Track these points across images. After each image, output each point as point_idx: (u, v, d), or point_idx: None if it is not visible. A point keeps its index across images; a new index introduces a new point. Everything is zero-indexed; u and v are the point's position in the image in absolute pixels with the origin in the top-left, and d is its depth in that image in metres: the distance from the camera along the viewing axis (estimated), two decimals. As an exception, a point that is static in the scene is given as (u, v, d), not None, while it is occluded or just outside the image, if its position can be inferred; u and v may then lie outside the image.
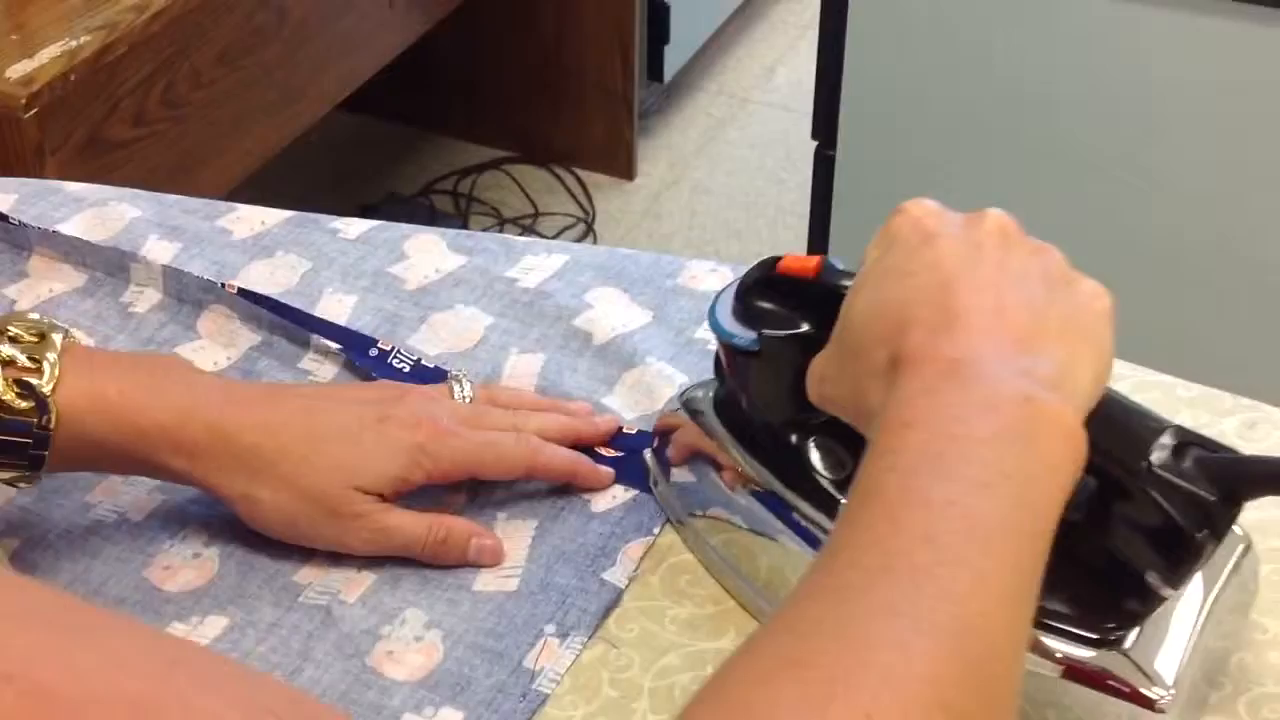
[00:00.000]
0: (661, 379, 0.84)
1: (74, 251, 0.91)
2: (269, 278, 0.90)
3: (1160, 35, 1.34)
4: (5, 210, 0.94)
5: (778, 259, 0.68)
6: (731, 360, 0.71)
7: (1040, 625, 0.61)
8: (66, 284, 0.90)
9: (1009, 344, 0.54)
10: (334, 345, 0.85)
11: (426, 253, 0.93)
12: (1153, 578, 0.60)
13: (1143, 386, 0.81)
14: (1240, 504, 0.59)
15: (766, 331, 0.67)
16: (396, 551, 0.73)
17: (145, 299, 0.89)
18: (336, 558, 0.74)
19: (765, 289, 0.68)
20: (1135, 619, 0.61)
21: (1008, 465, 0.51)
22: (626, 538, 0.76)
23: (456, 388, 0.79)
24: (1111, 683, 0.61)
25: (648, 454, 0.78)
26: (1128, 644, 0.61)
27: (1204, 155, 1.38)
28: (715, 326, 0.69)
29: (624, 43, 2.49)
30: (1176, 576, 0.60)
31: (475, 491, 0.78)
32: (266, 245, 0.92)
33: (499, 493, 0.78)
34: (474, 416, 0.76)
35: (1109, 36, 1.35)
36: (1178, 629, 0.62)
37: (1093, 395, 0.56)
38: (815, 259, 0.66)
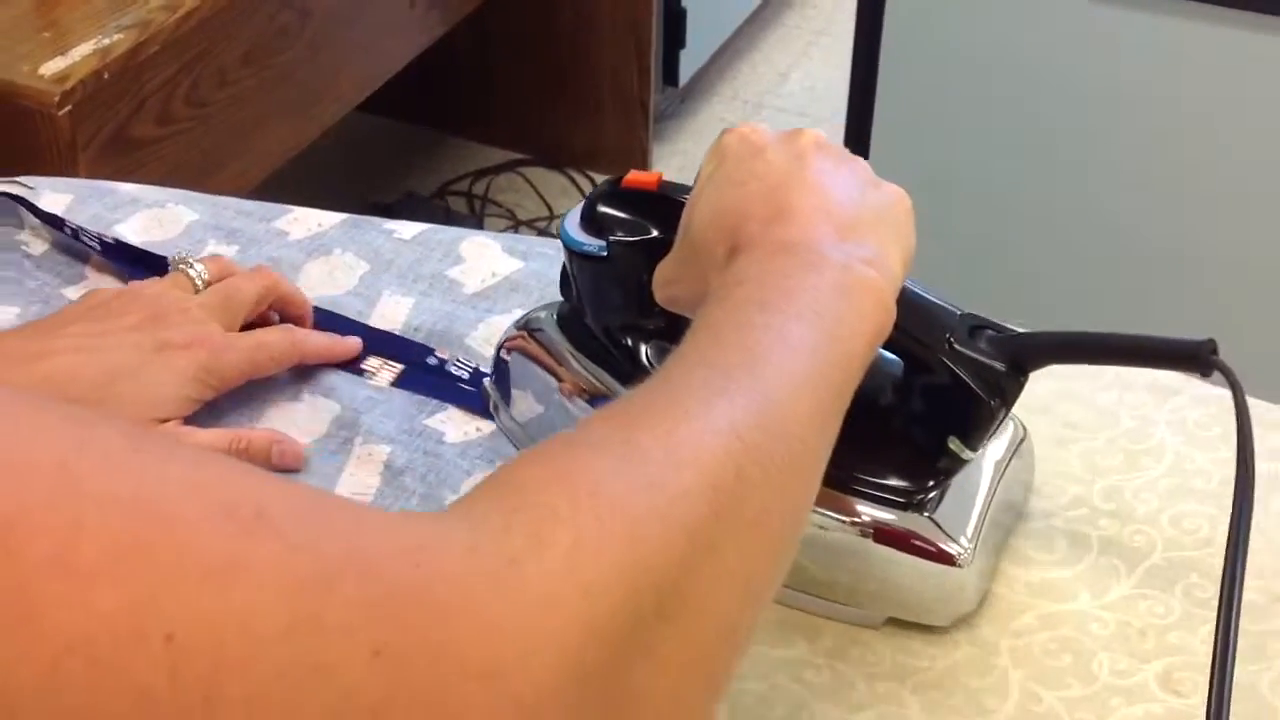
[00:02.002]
0: None
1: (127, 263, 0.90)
2: (328, 278, 0.90)
3: (1199, 51, 1.34)
4: (60, 212, 0.94)
5: (622, 177, 0.73)
6: (578, 271, 0.75)
7: (852, 491, 0.69)
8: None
9: (833, 231, 0.61)
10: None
11: (482, 256, 0.93)
12: (954, 443, 0.68)
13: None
14: (1026, 373, 0.67)
15: (614, 238, 0.72)
16: None
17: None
18: None
19: (611, 202, 0.73)
20: (938, 484, 0.69)
21: (822, 308, 0.57)
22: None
23: (191, 272, 0.82)
24: (916, 542, 0.69)
25: (487, 382, 0.81)
26: (929, 507, 0.69)
27: (1239, 168, 1.39)
28: (566, 237, 0.73)
29: (641, 47, 2.49)
30: (975, 439, 0.68)
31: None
32: (324, 245, 0.93)
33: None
34: (224, 302, 0.80)
35: (1144, 53, 1.36)
36: (972, 494, 0.70)
37: (901, 277, 0.63)
38: (656, 174, 0.72)
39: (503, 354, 0.80)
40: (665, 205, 0.69)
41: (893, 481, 0.70)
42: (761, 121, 0.67)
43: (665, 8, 2.51)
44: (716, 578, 0.47)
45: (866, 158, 1.46)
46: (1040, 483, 0.77)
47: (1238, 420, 0.63)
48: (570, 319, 0.78)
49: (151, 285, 0.81)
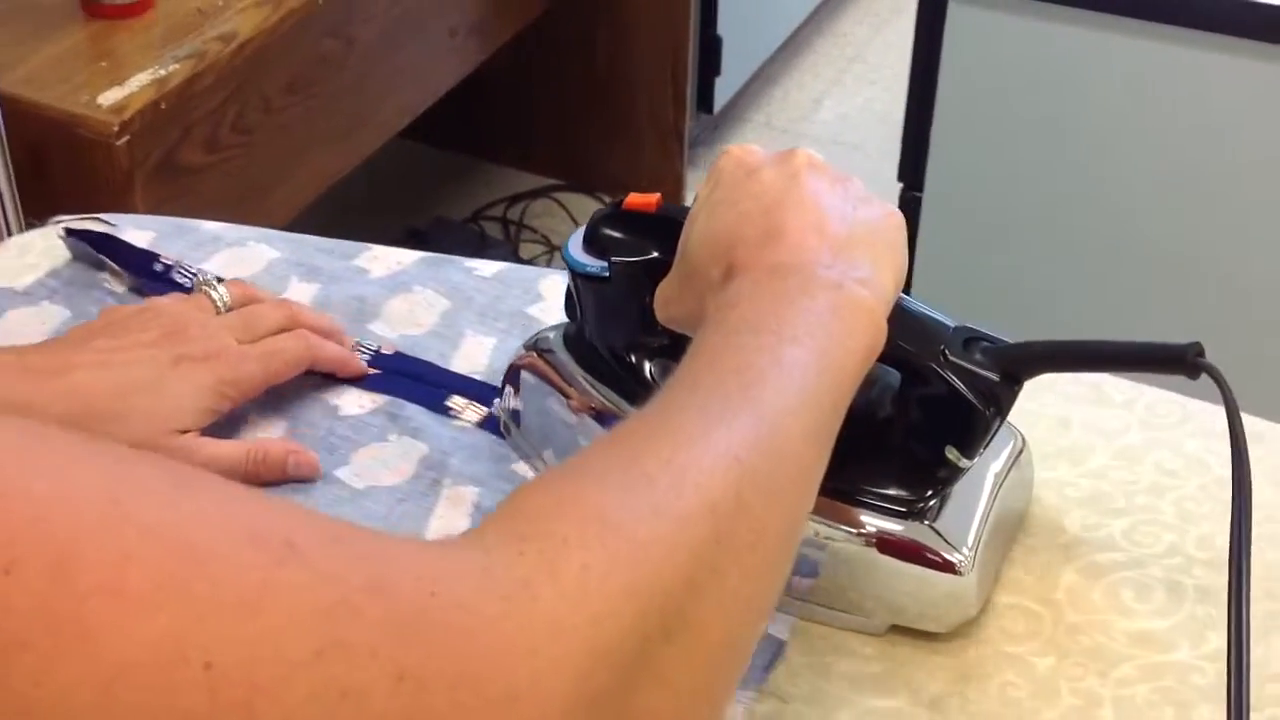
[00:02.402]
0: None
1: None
2: (409, 316, 0.91)
3: (1251, 95, 1.35)
4: (146, 245, 0.94)
5: (623, 199, 0.75)
6: (582, 291, 0.77)
7: (854, 502, 0.71)
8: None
9: (826, 251, 0.63)
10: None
11: (561, 293, 0.93)
12: (951, 452, 0.70)
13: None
14: (1020, 382, 0.69)
15: (615, 258, 0.74)
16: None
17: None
18: None
19: (612, 224, 0.75)
20: (937, 493, 0.71)
21: (815, 329, 0.59)
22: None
23: (214, 294, 0.83)
24: (917, 551, 0.70)
25: (498, 401, 0.83)
26: (929, 516, 0.71)
27: (1267, 191, 1.39)
28: (569, 259, 0.75)
29: (677, 74, 2.50)
30: (972, 448, 0.70)
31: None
32: (404, 282, 0.93)
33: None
34: (245, 324, 0.82)
35: (1199, 96, 1.36)
36: (972, 504, 0.72)
37: (893, 294, 0.64)
38: (655, 196, 0.75)
39: (510, 378, 0.82)
40: (665, 225, 0.71)
41: (893, 491, 0.72)
42: (797, 147, 0.68)
43: (701, 35, 2.51)
44: (719, 599, 0.50)
45: (920, 191, 1.46)
46: (1134, 530, 0.77)
47: (1229, 421, 0.64)
48: (577, 339, 0.80)
49: (172, 302, 0.83)
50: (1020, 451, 0.76)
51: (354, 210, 2.41)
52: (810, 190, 0.65)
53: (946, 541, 0.71)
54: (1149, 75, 1.37)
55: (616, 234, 0.75)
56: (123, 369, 0.76)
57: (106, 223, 0.96)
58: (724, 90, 2.64)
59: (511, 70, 2.54)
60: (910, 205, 1.45)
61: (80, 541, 0.38)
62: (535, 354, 0.81)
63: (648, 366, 0.77)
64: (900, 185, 1.50)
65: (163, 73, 1.51)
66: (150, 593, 0.38)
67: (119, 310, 0.82)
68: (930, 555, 0.70)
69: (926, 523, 0.71)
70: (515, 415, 0.82)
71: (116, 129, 1.44)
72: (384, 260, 0.95)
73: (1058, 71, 1.39)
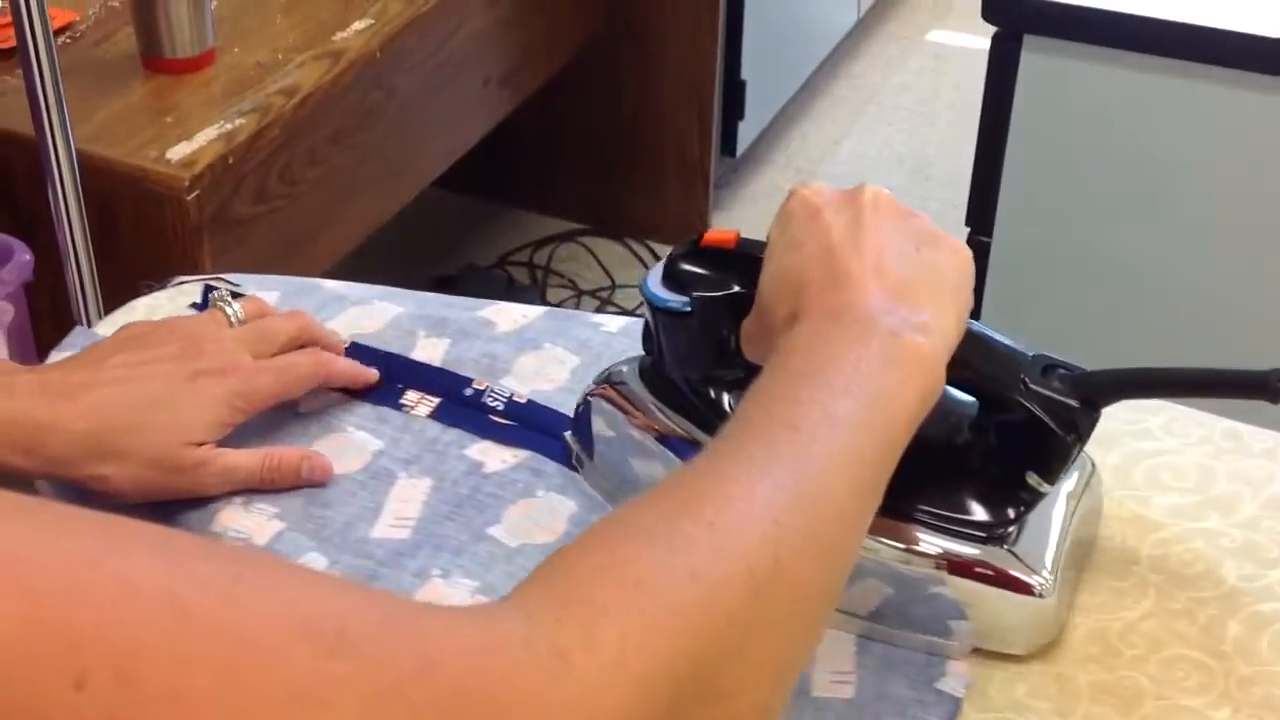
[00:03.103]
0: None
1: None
2: (539, 372, 0.91)
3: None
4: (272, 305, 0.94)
5: (701, 235, 0.77)
6: (662, 326, 0.79)
7: (936, 529, 0.72)
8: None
9: (885, 296, 0.63)
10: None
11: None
12: (1032, 478, 0.72)
13: None
14: (1099, 409, 0.71)
15: (697, 294, 0.75)
16: (239, 486, 0.80)
17: (424, 403, 0.89)
18: None
19: (692, 260, 0.77)
20: (1017, 518, 0.73)
21: (867, 380, 0.60)
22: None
23: (228, 310, 0.85)
24: (998, 575, 0.72)
25: (569, 435, 0.85)
26: (1009, 540, 0.73)
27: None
28: (649, 294, 0.77)
29: (703, 118, 2.51)
30: (1052, 473, 0.72)
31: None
32: (533, 339, 0.93)
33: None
34: (259, 337, 0.83)
35: (1270, 139, 1.38)
36: (1048, 527, 0.74)
37: (956, 335, 0.65)
38: (733, 232, 0.76)
39: (585, 406, 0.83)
40: (743, 261, 0.73)
41: (974, 516, 0.73)
42: (864, 184, 0.69)
43: (725, 79, 2.53)
44: (754, 661, 0.51)
45: (989, 236, 1.46)
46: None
47: None
48: (653, 372, 0.81)
49: (188, 319, 0.85)
50: (1091, 474, 0.78)
51: (380, 257, 2.41)
52: (872, 230, 0.66)
53: (1026, 565, 0.72)
54: (1219, 119, 1.39)
55: (696, 269, 0.76)
56: (140, 384, 0.78)
57: (231, 283, 0.96)
58: (746, 133, 2.66)
59: (536, 116, 2.55)
60: (979, 250, 1.46)
61: (144, 647, 0.39)
62: (608, 386, 0.82)
63: (726, 399, 0.79)
64: (968, 229, 1.51)
65: (229, 127, 1.51)
66: (210, 694, 0.39)
67: (137, 326, 0.84)
68: (1012, 578, 0.72)
69: (1006, 547, 0.73)
70: (589, 448, 0.83)
71: (187, 184, 1.44)
72: (509, 314, 0.95)
73: (1128, 116, 1.41)
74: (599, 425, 0.82)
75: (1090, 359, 0.72)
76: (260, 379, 0.81)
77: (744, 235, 0.76)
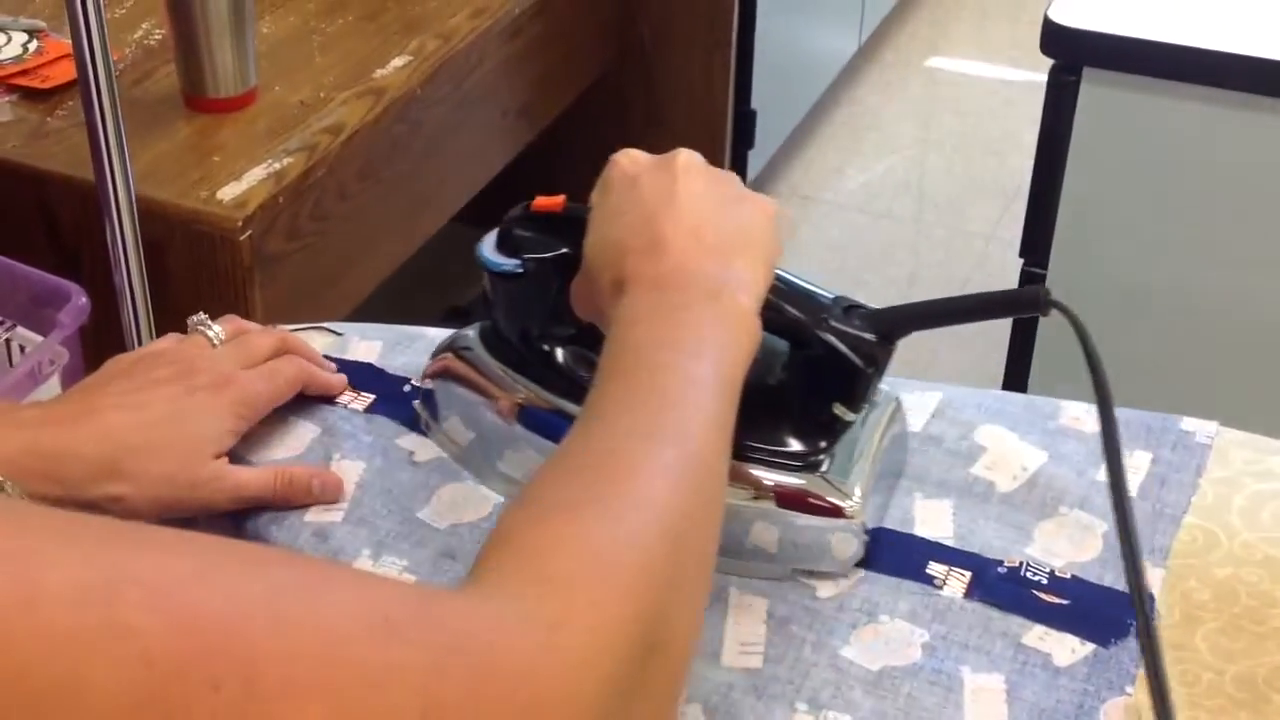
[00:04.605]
0: (1080, 528, 0.84)
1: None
2: None
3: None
4: (374, 360, 0.93)
5: (531, 201, 0.82)
6: (497, 288, 0.83)
7: (754, 460, 0.78)
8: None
9: (703, 256, 0.69)
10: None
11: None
12: (838, 408, 0.79)
13: None
14: (894, 341, 0.78)
15: (527, 256, 0.80)
16: (251, 503, 0.83)
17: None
18: None
19: (523, 225, 0.81)
20: (828, 447, 0.79)
21: (707, 340, 0.66)
22: (1101, 696, 0.75)
23: (209, 333, 0.88)
24: (812, 500, 0.78)
25: (417, 403, 0.89)
26: (822, 467, 0.79)
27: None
28: (483, 259, 0.81)
29: (714, 150, 2.51)
30: (855, 402, 0.79)
31: None
32: None
33: (958, 650, 0.77)
34: (243, 351, 0.87)
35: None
36: (859, 456, 0.80)
37: (765, 285, 0.72)
38: (561, 197, 0.81)
39: (430, 376, 0.88)
40: (571, 224, 0.77)
41: (789, 448, 0.79)
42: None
43: (735, 109, 2.53)
44: (681, 609, 0.58)
45: (1044, 269, 1.46)
46: None
47: (1087, 357, 0.71)
48: (492, 335, 0.86)
49: (172, 344, 0.87)
50: (896, 408, 0.85)
51: (394, 290, 2.39)
52: (687, 194, 0.71)
53: (839, 490, 0.79)
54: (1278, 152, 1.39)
55: (527, 234, 0.81)
56: (144, 408, 0.80)
57: (334, 332, 0.95)
58: (755, 162, 2.66)
59: (547, 147, 2.54)
60: (1033, 282, 1.46)
61: (258, 650, 0.45)
62: (453, 353, 0.87)
63: (560, 354, 0.84)
64: (1021, 260, 1.51)
65: (277, 166, 1.50)
66: (309, 685, 0.46)
67: (122, 359, 0.86)
68: (826, 503, 0.78)
69: (820, 474, 0.79)
70: (435, 413, 0.87)
71: (240, 224, 1.43)
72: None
73: (1188, 148, 1.41)
74: (444, 390, 0.87)
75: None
76: (256, 386, 0.85)
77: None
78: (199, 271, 1.45)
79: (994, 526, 0.84)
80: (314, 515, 0.84)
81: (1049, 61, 1.44)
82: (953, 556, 0.83)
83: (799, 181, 2.87)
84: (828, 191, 2.84)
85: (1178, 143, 1.41)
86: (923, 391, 0.94)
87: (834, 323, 0.77)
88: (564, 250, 0.78)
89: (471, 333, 0.87)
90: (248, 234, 1.43)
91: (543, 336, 0.84)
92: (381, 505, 0.85)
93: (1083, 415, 0.92)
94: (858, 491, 0.79)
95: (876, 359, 0.77)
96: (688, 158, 0.73)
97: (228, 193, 1.45)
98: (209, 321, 0.89)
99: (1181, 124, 1.40)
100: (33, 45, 1.66)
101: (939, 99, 3.14)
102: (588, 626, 0.52)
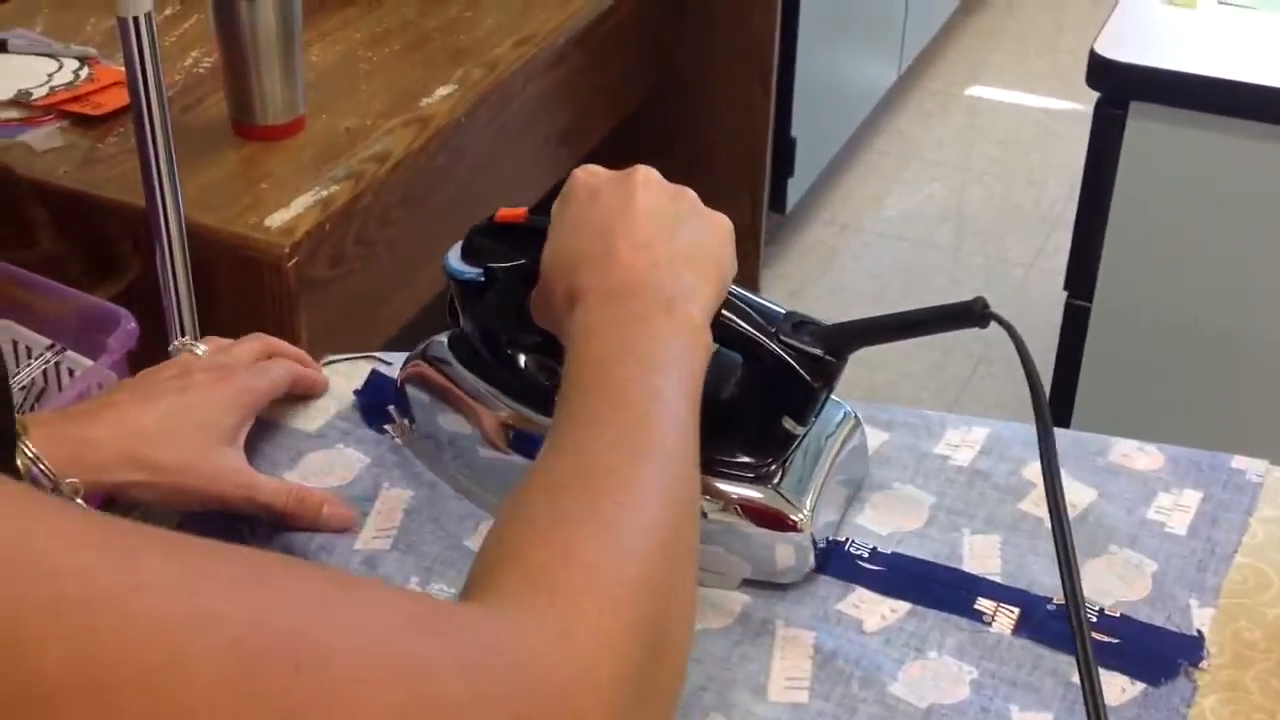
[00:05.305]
0: (1130, 567, 0.84)
1: None
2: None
3: None
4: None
5: (495, 214, 0.83)
6: (462, 296, 0.85)
7: (708, 471, 0.76)
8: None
9: (651, 269, 0.71)
10: None
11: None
12: (787, 422, 0.81)
13: None
14: (843, 357, 0.79)
15: (490, 265, 0.81)
16: (263, 508, 0.85)
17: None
18: None
19: (487, 235, 0.83)
20: (778, 459, 0.81)
21: (664, 353, 0.68)
22: None
23: (196, 350, 0.92)
24: (763, 511, 0.80)
25: (391, 407, 0.92)
26: (774, 479, 0.81)
27: None
28: (448, 268, 0.83)
29: (754, 177, 2.51)
30: (804, 416, 0.81)
31: None
32: None
33: (1006, 687, 0.77)
34: (231, 355, 0.91)
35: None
36: (813, 470, 0.82)
37: (717, 299, 0.74)
38: (523, 209, 0.82)
39: (402, 381, 0.90)
40: (533, 235, 0.78)
41: (741, 459, 0.81)
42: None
43: (775, 136, 2.53)
44: (679, 613, 0.60)
45: (1089, 301, 1.46)
46: None
47: (1024, 365, 0.75)
48: (459, 342, 0.88)
49: (163, 364, 0.90)
50: (854, 425, 0.87)
51: (436, 315, 2.40)
52: (643, 209, 0.73)
53: (790, 502, 0.80)
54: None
55: (490, 243, 0.83)
56: (155, 400, 0.84)
57: (383, 361, 0.96)
58: (795, 190, 2.66)
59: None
60: (1078, 315, 1.46)
61: (330, 640, 0.48)
62: (423, 360, 0.90)
63: (523, 360, 0.86)
64: (1066, 294, 1.51)
65: (324, 194, 1.51)
66: (371, 672, 0.48)
67: (128, 379, 0.91)
68: (777, 514, 0.80)
69: (771, 486, 0.81)
70: (407, 414, 0.90)
71: (287, 251, 1.44)
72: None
73: (1235, 182, 1.41)
74: (416, 394, 0.90)
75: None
76: (253, 378, 0.88)
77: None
78: (245, 297, 1.46)
79: (1043, 563, 0.84)
80: (363, 543, 0.85)
81: (1089, 90, 1.44)
82: (1001, 593, 0.83)
83: (838, 209, 2.87)
84: (867, 219, 2.85)
85: (1225, 177, 1.41)
86: (970, 427, 0.94)
87: (783, 337, 0.78)
88: (523, 261, 0.80)
89: (443, 339, 0.89)
90: (294, 260, 1.44)
91: (509, 343, 0.86)
92: (430, 533, 0.86)
93: (1133, 452, 0.92)
94: (808, 504, 0.81)
95: (826, 373, 0.79)
96: (646, 173, 0.75)
97: (276, 219, 1.46)
98: (191, 342, 0.93)
99: (1229, 158, 1.40)
100: (84, 72, 1.68)
101: (978, 128, 3.14)
102: (599, 631, 0.54)
